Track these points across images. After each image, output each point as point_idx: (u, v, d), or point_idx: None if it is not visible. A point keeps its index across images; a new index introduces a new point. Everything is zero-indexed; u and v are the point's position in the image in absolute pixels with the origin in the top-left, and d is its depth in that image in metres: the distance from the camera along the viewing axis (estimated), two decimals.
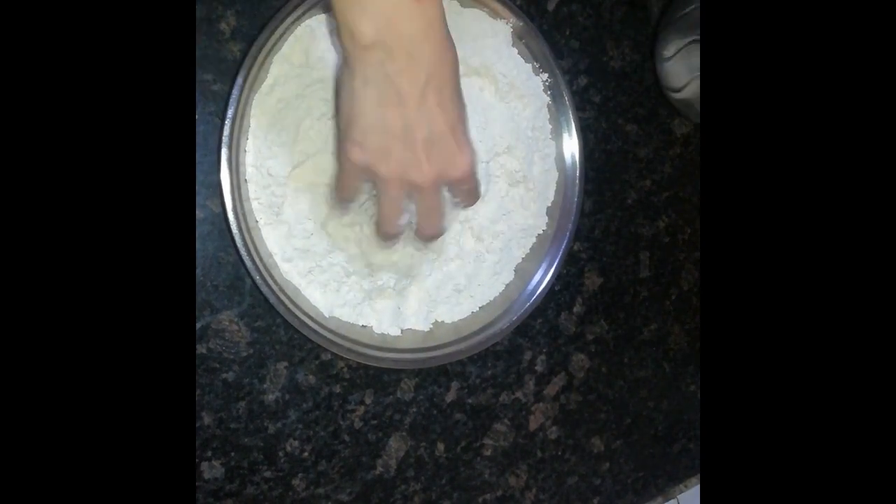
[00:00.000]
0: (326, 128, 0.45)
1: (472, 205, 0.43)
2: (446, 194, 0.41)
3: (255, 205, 0.45)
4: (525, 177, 0.52)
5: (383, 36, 0.33)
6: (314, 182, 0.45)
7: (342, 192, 0.41)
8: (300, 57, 0.45)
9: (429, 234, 0.42)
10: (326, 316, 0.47)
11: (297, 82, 0.45)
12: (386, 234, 0.42)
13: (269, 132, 0.45)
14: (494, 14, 0.50)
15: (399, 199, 0.39)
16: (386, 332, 0.48)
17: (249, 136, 0.45)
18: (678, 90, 0.56)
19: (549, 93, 0.53)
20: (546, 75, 0.52)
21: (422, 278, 0.49)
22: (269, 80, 0.45)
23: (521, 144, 0.51)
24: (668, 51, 0.55)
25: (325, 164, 0.45)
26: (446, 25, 0.35)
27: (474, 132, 0.50)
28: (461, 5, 0.50)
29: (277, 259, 0.46)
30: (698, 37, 0.51)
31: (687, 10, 0.54)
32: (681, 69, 0.55)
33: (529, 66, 0.52)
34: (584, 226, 0.58)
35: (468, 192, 0.41)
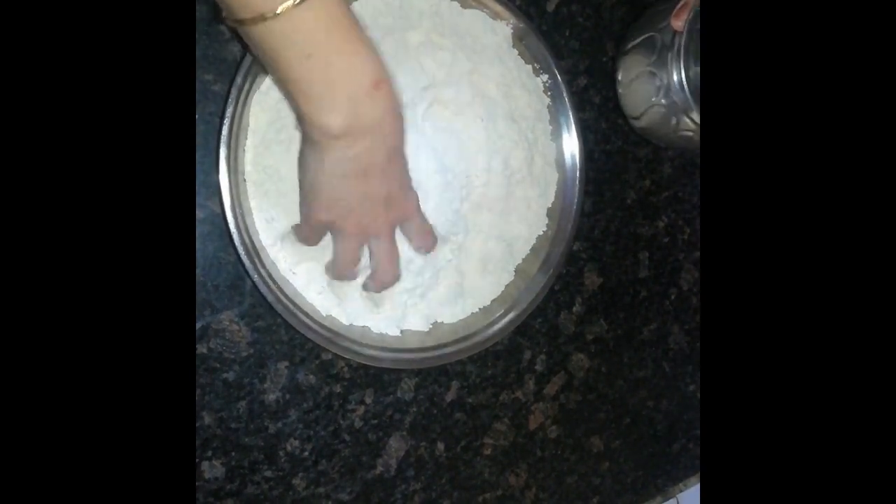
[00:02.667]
0: None
1: (431, 248, 0.47)
2: (404, 246, 0.45)
3: (253, 203, 0.45)
4: (525, 177, 0.52)
5: (350, 125, 0.36)
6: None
7: (306, 241, 0.44)
8: None
9: (384, 280, 0.45)
10: (325, 315, 0.47)
11: None
12: (340, 277, 0.45)
13: (268, 131, 0.45)
14: (495, 15, 0.50)
15: (356, 250, 0.43)
16: (386, 332, 0.48)
17: (249, 135, 0.45)
18: (636, 118, 0.56)
19: (549, 94, 0.53)
20: (546, 76, 0.52)
21: (422, 278, 0.49)
22: (268, 80, 0.45)
23: (521, 145, 0.51)
24: (625, 79, 0.55)
25: None
26: (399, 98, 0.38)
27: (477, 132, 0.50)
28: (462, 6, 0.50)
29: (277, 259, 0.46)
30: (651, 67, 0.51)
31: (638, 41, 0.52)
32: (637, 98, 0.54)
33: (529, 67, 0.52)
34: (584, 226, 0.58)
35: (419, 229, 0.45)
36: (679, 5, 0.49)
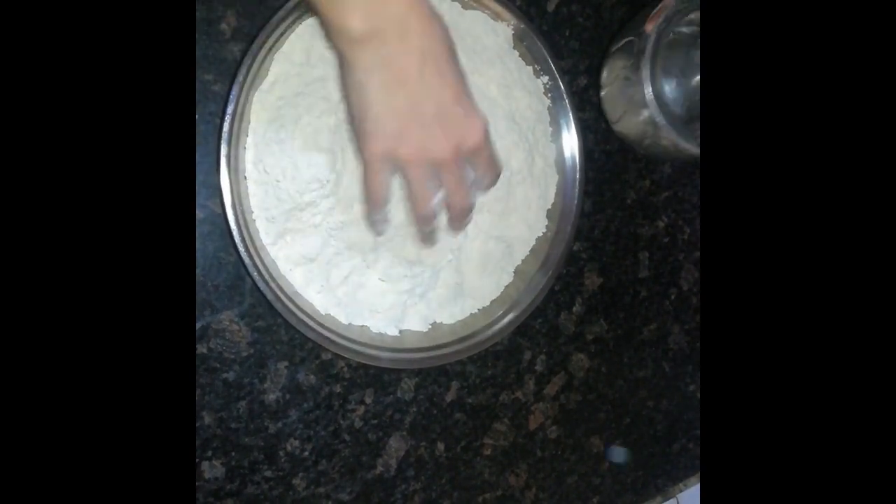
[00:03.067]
0: (326, 126, 0.45)
1: (495, 181, 0.43)
2: (469, 174, 0.41)
3: (254, 202, 0.45)
4: (525, 178, 0.52)
5: (371, 24, 0.34)
6: (315, 181, 0.45)
7: (372, 193, 0.40)
8: (301, 55, 0.46)
9: (460, 208, 0.41)
10: (324, 314, 0.47)
11: (298, 80, 0.45)
12: (422, 217, 0.41)
13: (268, 130, 0.45)
14: (495, 16, 0.51)
15: (425, 178, 0.39)
16: (386, 332, 0.48)
17: (249, 133, 0.45)
18: (615, 122, 0.55)
19: (549, 95, 0.53)
20: (546, 78, 0.52)
21: (422, 278, 0.49)
22: (269, 78, 0.45)
23: (521, 146, 0.51)
24: (606, 82, 0.54)
25: (326, 162, 0.45)
26: (429, 1, 0.35)
27: None
28: (462, 7, 0.50)
29: (277, 258, 0.46)
30: (627, 72, 0.49)
31: (620, 44, 0.51)
32: (616, 101, 0.53)
33: (530, 68, 0.52)
34: (584, 226, 0.58)
35: (487, 161, 0.41)
36: (657, 8, 0.47)
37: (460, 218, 0.43)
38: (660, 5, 0.48)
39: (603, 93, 0.55)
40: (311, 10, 0.40)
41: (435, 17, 0.36)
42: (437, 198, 0.40)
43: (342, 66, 0.37)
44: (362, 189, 0.41)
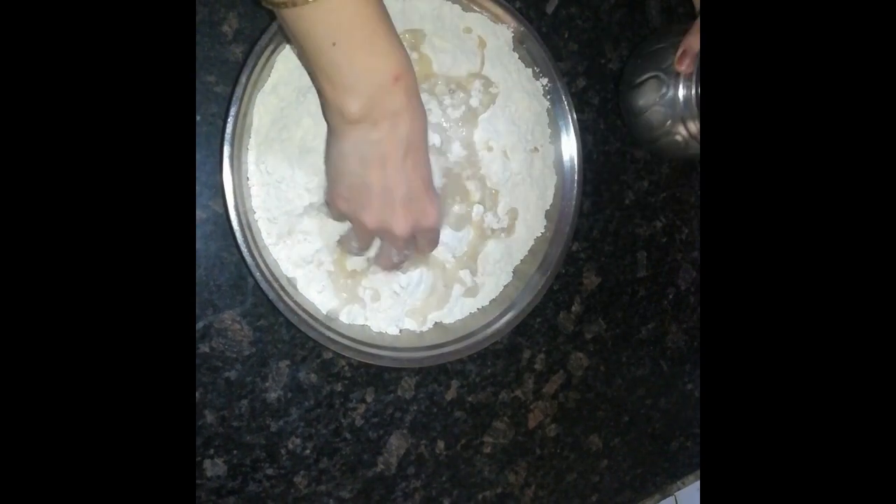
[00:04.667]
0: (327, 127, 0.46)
1: (430, 252, 0.48)
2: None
3: (256, 203, 0.45)
4: (525, 179, 0.52)
5: (368, 112, 0.37)
6: (316, 182, 0.46)
7: (334, 219, 0.46)
8: None
9: (385, 266, 0.47)
10: (325, 313, 0.47)
11: (300, 82, 0.46)
12: (348, 253, 0.47)
13: (270, 130, 0.45)
14: (496, 18, 0.51)
15: (369, 241, 0.45)
16: (386, 332, 0.49)
17: (252, 134, 0.45)
18: (638, 114, 0.57)
19: (548, 97, 0.53)
20: (546, 80, 0.53)
21: (422, 278, 0.49)
22: (272, 79, 0.45)
23: (521, 147, 0.52)
24: (631, 79, 0.57)
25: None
26: (419, 95, 0.39)
27: (477, 134, 0.50)
28: (463, 10, 0.50)
29: (279, 258, 0.46)
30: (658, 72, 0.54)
31: (654, 49, 0.55)
32: (643, 96, 0.56)
33: (529, 70, 0.53)
34: (583, 226, 0.58)
35: (431, 240, 0.46)
36: (679, 52, 0.52)
37: (387, 269, 0.48)
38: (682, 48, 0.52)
39: (629, 92, 0.57)
40: (311, 80, 0.43)
41: (422, 112, 0.39)
42: (368, 250, 0.46)
43: (331, 134, 0.40)
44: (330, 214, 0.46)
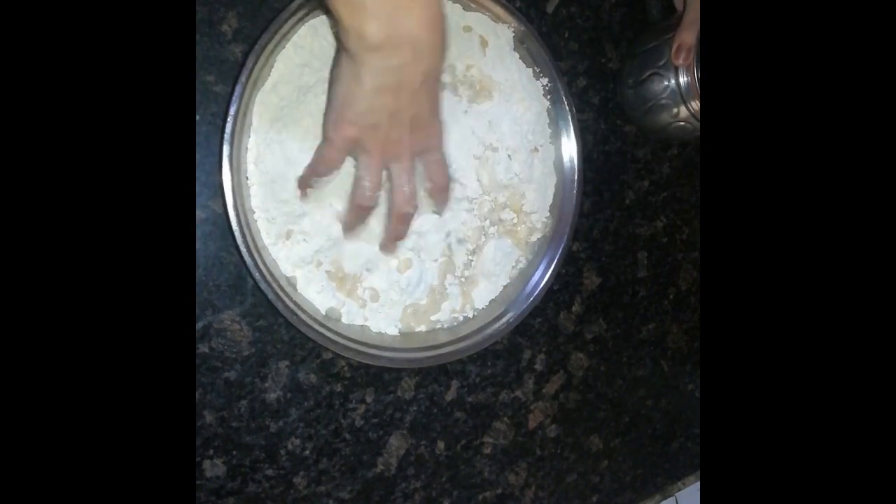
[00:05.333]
0: None
1: (445, 192, 0.46)
2: (422, 194, 0.45)
3: (255, 202, 0.45)
4: (525, 179, 0.52)
5: (388, 35, 0.35)
6: (315, 181, 0.46)
7: (323, 164, 0.43)
8: (303, 56, 0.46)
9: (404, 210, 0.44)
10: (324, 313, 0.47)
11: (300, 81, 0.45)
12: (359, 207, 0.44)
13: (270, 130, 0.45)
14: (496, 18, 0.51)
15: (379, 170, 0.42)
16: (386, 332, 0.49)
17: (251, 134, 0.45)
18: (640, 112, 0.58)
19: (548, 97, 0.53)
20: (546, 80, 0.53)
21: (422, 278, 0.49)
22: (272, 78, 0.45)
23: (521, 147, 0.52)
24: (631, 80, 0.58)
25: None
26: (444, 15, 0.37)
27: (478, 135, 0.50)
28: (464, 9, 0.50)
29: (278, 258, 0.46)
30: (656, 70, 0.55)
31: (648, 47, 0.56)
32: (640, 98, 0.57)
33: (530, 70, 0.53)
34: (583, 226, 0.58)
35: (437, 165, 0.44)
36: (674, 48, 0.53)
37: (398, 223, 0.45)
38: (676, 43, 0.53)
39: (629, 91, 0.58)
40: (324, 10, 0.41)
41: (445, 36, 0.38)
42: (379, 193, 0.43)
43: (344, 58, 0.38)
44: (313, 161, 0.44)
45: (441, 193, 0.46)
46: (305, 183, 0.44)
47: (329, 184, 0.45)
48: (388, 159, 0.41)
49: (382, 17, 0.35)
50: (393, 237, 0.46)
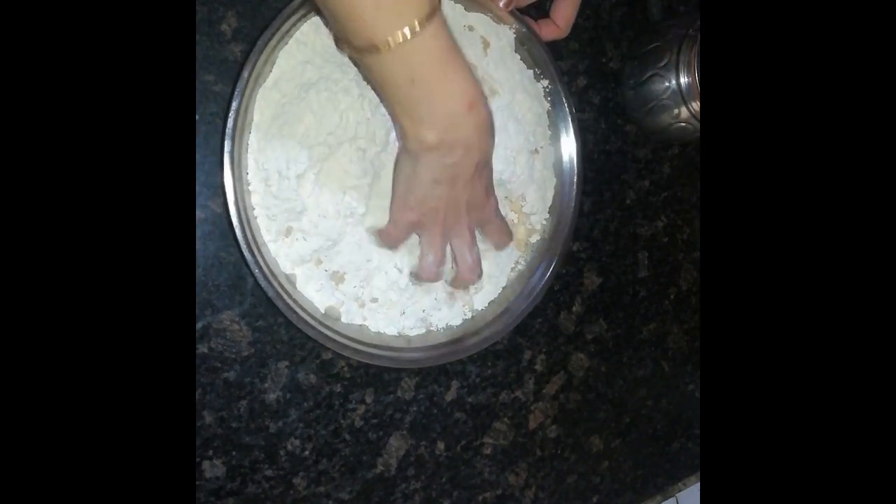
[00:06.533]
0: (329, 124, 0.45)
1: (506, 244, 0.51)
2: (481, 245, 0.48)
3: (254, 199, 0.45)
4: (526, 180, 0.52)
5: (443, 139, 0.40)
6: (317, 180, 0.46)
7: (387, 242, 0.47)
8: (306, 52, 0.46)
9: (467, 278, 0.48)
10: (323, 312, 0.47)
11: (302, 78, 0.45)
12: (426, 279, 0.48)
13: (271, 126, 0.45)
14: (497, 19, 0.51)
15: (441, 247, 0.46)
16: (384, 332, 0.49)
17: (252, 130, 0.45)
18: (642, 114, 0.59)
19: (549, 99, 0.53)
20: (546, 82, 0.53)
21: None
22: (273, 75, 0.45)
23: (522, 149, 0.52)
24: (632, 80, 0.58)
25: (328, 160, 0.45)
26: (492, 117, 0.42)
27: None
28: (465, 10, 0.50)
29: (278, 256, 0.46)
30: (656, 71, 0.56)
31: (649, 48, 0.57)
32: (641, 98, 0.58)
33: (531, 72, 0.53)
34: (584, 226, 0.58)
35: (497, 230, 0.49)
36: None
37: (462, 286, 0.50)
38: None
39: (629, 92, 0.58)
40: (387, 111, 0.46)
41: (492, 135, 0.42)
42: (443, 267, 0.47)
43: (403, 154, 0.43)
44: (379, 235, 0.47)
45: (501, 248, 0.51)
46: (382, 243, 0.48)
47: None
48: (448, 236, 0.46)
49: (439, 127, 0.39)
50: (457, 289, 0.50)
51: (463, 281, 0.48)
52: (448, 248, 0.47)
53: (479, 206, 0.45)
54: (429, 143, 0.40)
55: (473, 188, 0.44)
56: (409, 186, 0.43)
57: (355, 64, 0.45)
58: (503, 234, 0.49)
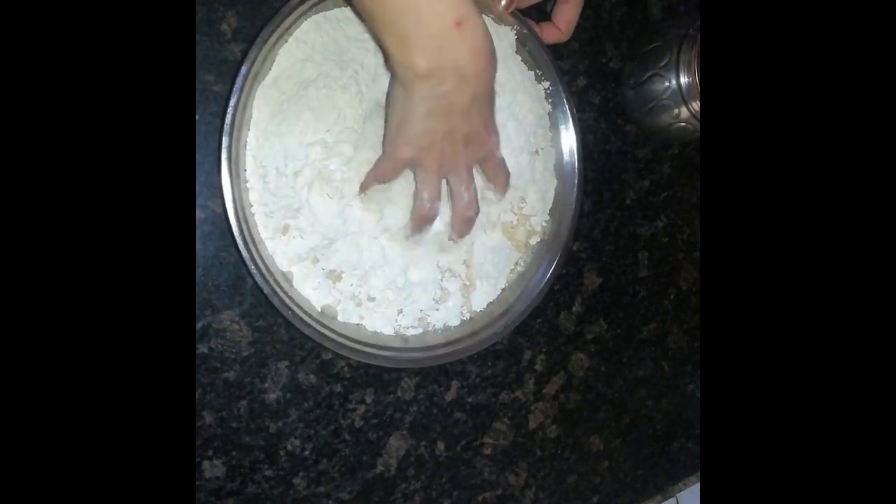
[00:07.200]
0: (328, 121, 0.45)
1: (506, 183, 0.48)
2: (479, 183, 0.47)
3: (252, 196, 0.45)
4: (526, 181, 0.52)
5: (435, 65, 0.37)
6: (315, 177, 0.46)
7: (378, 177, 0.45)
8: (306, 50, 0.46)
9: (466, 214, 0.46)
10: (319, 310, 0.47)
11: (301, 75, 0.45)
12: (420, 217, 0.46)
13: (270, 123, 0.45)
14: (498, 20, 0.51)
15: (437, 183, 0.44)
16: (382, 331, 0.48)
17: (251, 127, 0.45)
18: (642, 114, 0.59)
19: (549, 100, 0.53)
20: (547, 83, 0.53)
21: (422, 278, 0.49)
22: (273, 72, 0.45)
23: (523, 150, 0.52)
24: (632, 80, 0.58)
25: (326, 158, 0.45)
26: (490, 41, 0.39)
27: None
28: None
29: (275, 253, 0.46)
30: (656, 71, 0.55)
31: (649, 48, 0.57)
32: (641, 98, 0.58)
33: (532, 73, 0.53)
34: (584, 226, 0.58)
35: (495, 169, 0.47)
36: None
37: (461, 226, 0.47)
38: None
39: (629, 92, 0.58)
40: (374, 39, 0.44)
41: (492, 59, 0.40)
42: (439, 204, 0.46)
43: (396, 84, 0.41)
44: (372, 170, 0.46)
45: (500, 189, 0.49)
46: (366, 186, 0.47)
47: (387, 190, 0.47)
48: (444, 173, 0.44)
49: (429, 51, 0.37)
50: (457, 235, 0.48)
51: (460, 218, 0.46)
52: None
53: (478, 142, 0.43)
54: (419, 69, 0.37)
55: (471, 121, 0.41)
56: (403, 120, 0.41)
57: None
58: (502, 174, 0.48)
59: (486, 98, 0.41)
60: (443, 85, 0.38)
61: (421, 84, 0.38)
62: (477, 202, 0.46)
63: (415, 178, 0.45)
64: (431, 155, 0.42)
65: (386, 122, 0.44)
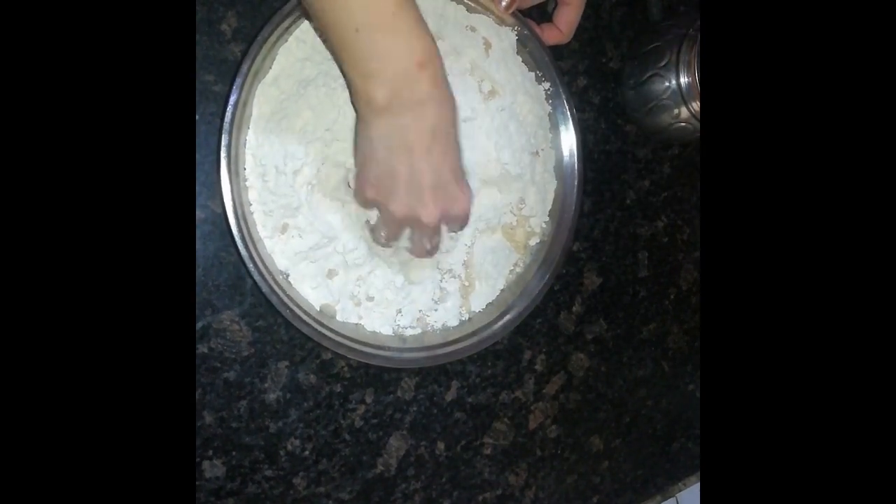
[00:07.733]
0: (327, 120, 0.45)
1: (459, 230, 0.48)
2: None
3: (251, 194, 0.45)
4: (527, 182, 0.52)
5: (393, 100, 0.37)
6: (314, 176, 0.46)
7: (390, 237, 0.46)
8: (306, 50, 0.46)
9: (423, 256, 0.47)
10: (318, 309, 0.47)
11: (301, 74, 0.45)
12: (378, 243, 0.47)
13: (269, 122, 0.45)
14: (500, 21, 0.51)
15: (398, 231, 0.45)
16: (380, 331, 0.48)
17: (251, 126, 0.45)
18: (642, 114, 0.59)
19: (550, 101, 0.53)
20: (548, 84, 0.53)
21: (422, 277, 0.49)
22: (273, 71, 0.45)
23: (524, 150, 0.52)
24: (632, 80, 0.58)
25: (326, 157, 0.45)
26: (447, 82, 0.39)
27: (480, 137, 0.50)
28: (468, 11, 0.50)
29: (273, 252, 0.46)
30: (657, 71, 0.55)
31: (649, 48, 0.57)
32: (641, 98, 0.58)
33: (532, 74, 0.53)
34: (584, 226, 0.58)
35: (462, 224, 0.46)
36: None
37: (419, 254, 0.47)
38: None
39: (629, 92, 0.58)
40: (338, 66, 0.44)
41: (449, 99, 0.40)
42: (401, 241, 0.46)
43: (358, 123, 0.41)
44: (375, 234, 0.46)
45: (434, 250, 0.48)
46: (384, 243, 0.47)
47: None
48: (408, 224, 0.43)
49: (388, 86, 0.37)
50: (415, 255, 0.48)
51: (417, 254, 0.46)
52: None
53: (446, 197, 0.41)
54: (377, 102, 0.37)
55: (433, 167, 0.40)
56: (365, 158, 0.41)
57: (306, 17, 0.43)
58: (462, 226, 0.46)
59: (448, 138, 0.40)
60: (400, 118, 0.38)
61: (378, 118, 0.39)
62: (435, 251, 0.46)
63: (380, 215, 0.44)
64: (396, 202, 0.41)
65: (355, 162, 0.44)
